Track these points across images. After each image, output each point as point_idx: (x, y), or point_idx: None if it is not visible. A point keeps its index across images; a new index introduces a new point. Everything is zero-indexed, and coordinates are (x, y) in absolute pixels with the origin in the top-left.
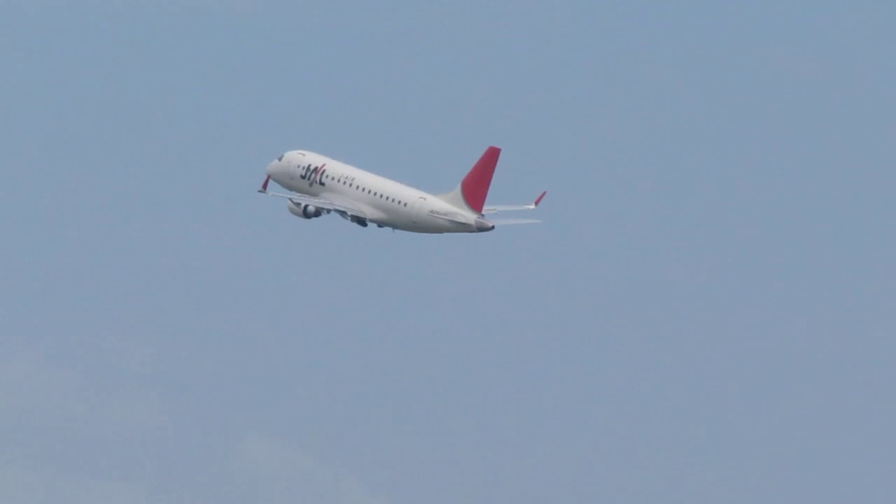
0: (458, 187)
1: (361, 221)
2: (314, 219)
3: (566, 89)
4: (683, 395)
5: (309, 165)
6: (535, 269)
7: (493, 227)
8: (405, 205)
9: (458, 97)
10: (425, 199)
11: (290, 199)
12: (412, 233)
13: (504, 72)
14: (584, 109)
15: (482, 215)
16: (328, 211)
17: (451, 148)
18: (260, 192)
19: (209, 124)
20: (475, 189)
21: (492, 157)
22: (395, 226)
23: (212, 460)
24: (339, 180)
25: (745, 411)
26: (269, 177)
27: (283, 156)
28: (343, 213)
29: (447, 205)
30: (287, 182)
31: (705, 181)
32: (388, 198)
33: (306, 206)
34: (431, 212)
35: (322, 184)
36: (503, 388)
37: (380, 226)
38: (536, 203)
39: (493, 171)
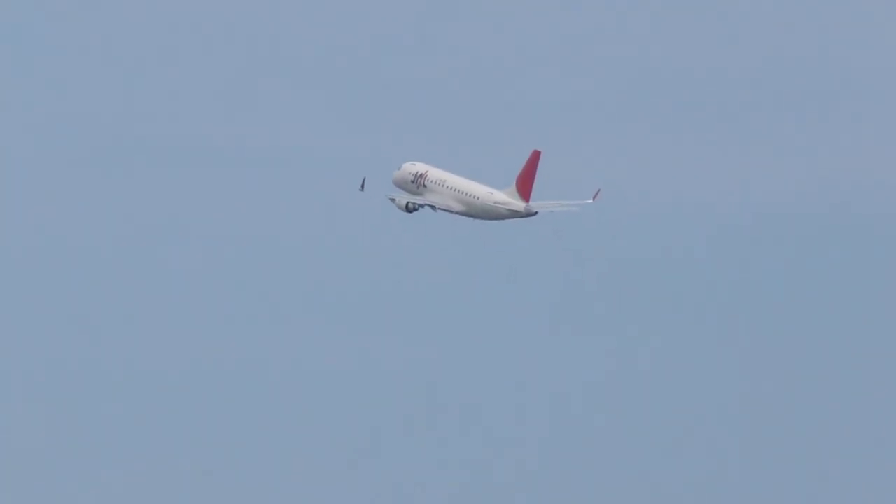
0: (514, 184)
1: (415, 209)
2: (413, 213)
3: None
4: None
5: (417, 172)
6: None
7: (536, 213)
8: (478, 198)
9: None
10: (492, 193)
11: (395, 198)
12: (481, 220)
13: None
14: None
15: (529, 204)
16: (422, 206)
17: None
18: (360, 190)
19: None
20: (524, 184)
21: (535, 158)
22: (472, 215)
23: None
24: (436, 182)
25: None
26: (364, 178)
27: (401, 166)
28: (433, 207)
29: (506, 196)
30: (403, 185)
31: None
32: (466, 194)
33: (407, 203)
34: (495, 203)
35: (425, 186)
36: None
37: (462, 215)
38: (594, 198)
39: (535, 169)
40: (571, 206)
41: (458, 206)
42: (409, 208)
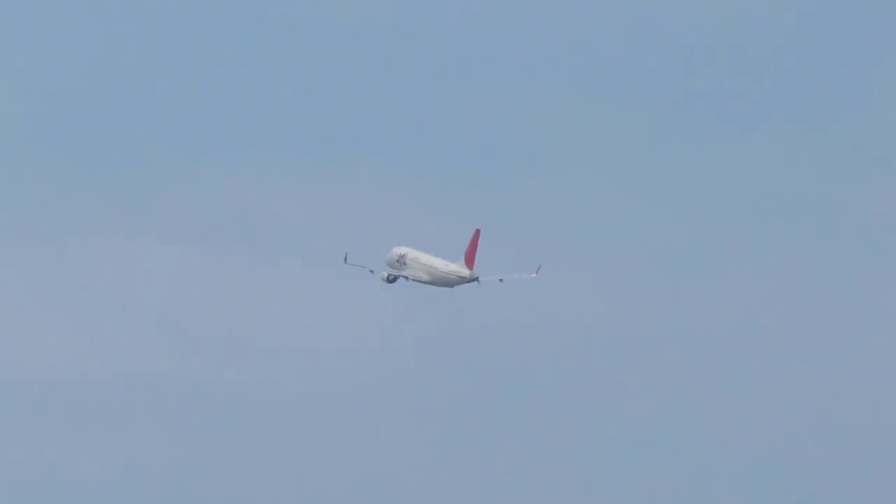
0: (462, 257)
1: (393, 280)
2: (392, 284)
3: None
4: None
5: (400, 254)
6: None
7: (477, 279)
8: (438, 270)
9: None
10: (448, 265)
11: (381, 271)
12: (436, 287)
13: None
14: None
15: (472, 271)
16: (398, 277)
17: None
18: (345, 263)
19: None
20: (469, 257)
21: (476, 235)
22: (433, 283)
23: None
24: (412, 260)
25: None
26: (346, 253)
27: (391, 250)
28: (406, 278)
29: (457, 267)
30: (391, 264)
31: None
32: (431, 267)
33: (388, 275)
34: (449, 272)
35: (405, 263)
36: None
37: (416, 281)
38: (536, 272)
39: (477, 244)
40: (514, 277)
41: (425, 277)
42: (390, 280)
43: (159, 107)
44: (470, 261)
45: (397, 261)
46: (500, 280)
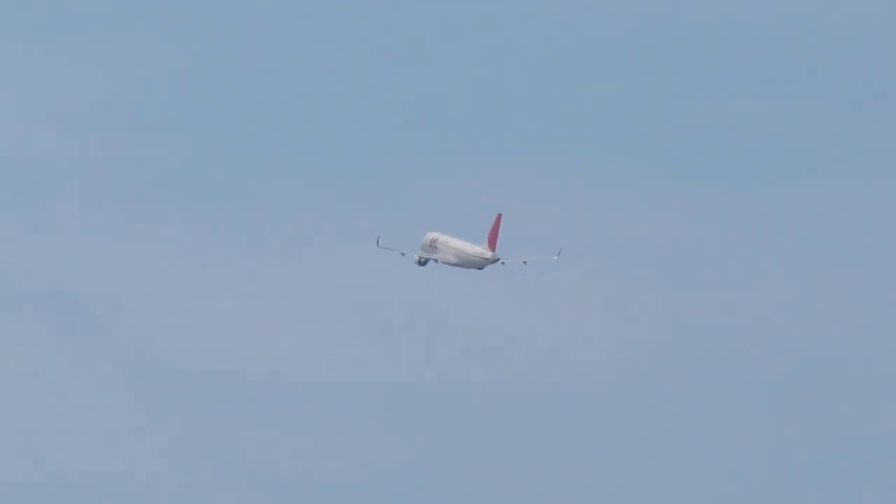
0: (486, 240)
1: (424, 262)
2: (424, 266)
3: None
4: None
5: (432, 238)
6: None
7: (499, 259)
8: (465, 252)
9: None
10: (473, 247)
11: (415, 253)
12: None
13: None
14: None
15: (494, 253)
16: (429, 260)
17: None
18: (377, 246)
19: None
20: (491, 240)
21: (497, 220)
22: (461, 265)
23: None
24: (442, 244)
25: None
26: (378, 237)
27: (425, 235)
28: (436, 261)
29: (481, 249)
30: (424, 248)
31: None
32: (459, 250)
33: (419, 258)
34: (474, 254)
35: (436, 248)
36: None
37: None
38: (558, 255)
39: (498, 228)
40: (535, 259)
41: (453, 259)
42: (421, 262)
43: (397, 107)
44: (492, 244)
45: (430, 244)
46: (525, 262)
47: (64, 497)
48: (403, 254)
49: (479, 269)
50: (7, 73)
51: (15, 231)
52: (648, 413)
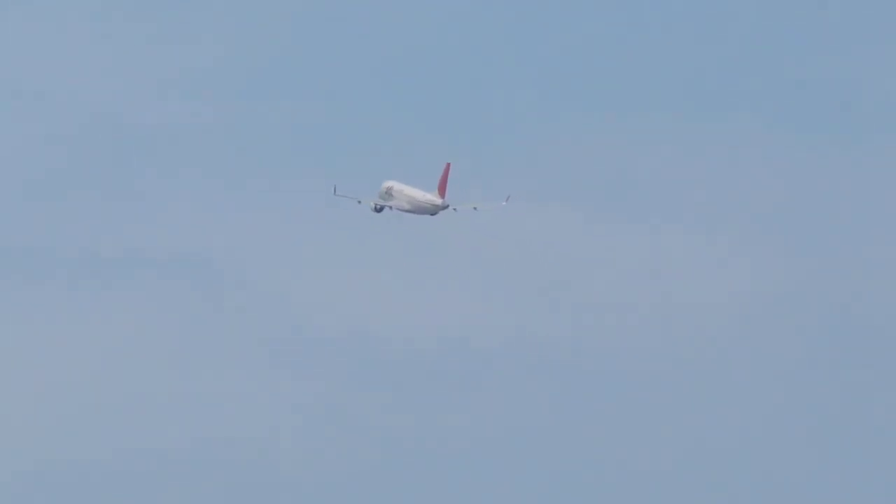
0: (436, 188)
1: (380, 209)
2: (381, 213)
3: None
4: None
5: (387, 187)
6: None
7: (449, 206)
8: (417, 199)
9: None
10: (425, 195)
11: (371, 201)
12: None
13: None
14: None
15: (444, 200)
16: (384, 207)
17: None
18: (334, 195)
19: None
20: (441, 187)
21: (447, 169)
22: (413, 211)
23: None
24: (397, 192)
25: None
26: (335, 185)
27: (382, 184)
28: (390, 208)
29: (432, 196)
30: (381, 195)
31: None
32: (411, 198)
33: (375, 205)
34: (425, 201)
35: (392, 195)
36: None
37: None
38: (506, 201)
39: (447, 176)
40: (484, 206)
41: (406, 206)
42: (376, 209)
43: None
44: (442, 191)
45: (386, 192)
46: (475, 208)
47: (203, 460)
48: (360, 202)
49: (432, 214)
50: (127, 41)
51: (144, 198)
52: (778, 361)
